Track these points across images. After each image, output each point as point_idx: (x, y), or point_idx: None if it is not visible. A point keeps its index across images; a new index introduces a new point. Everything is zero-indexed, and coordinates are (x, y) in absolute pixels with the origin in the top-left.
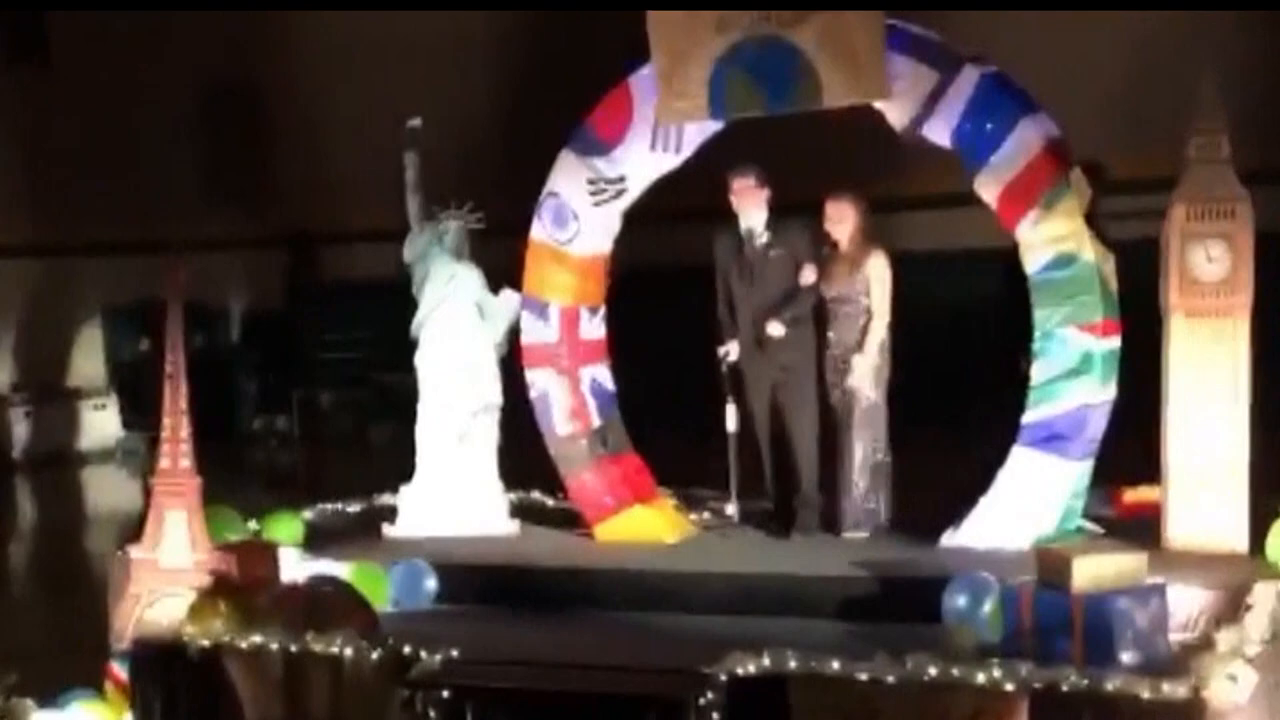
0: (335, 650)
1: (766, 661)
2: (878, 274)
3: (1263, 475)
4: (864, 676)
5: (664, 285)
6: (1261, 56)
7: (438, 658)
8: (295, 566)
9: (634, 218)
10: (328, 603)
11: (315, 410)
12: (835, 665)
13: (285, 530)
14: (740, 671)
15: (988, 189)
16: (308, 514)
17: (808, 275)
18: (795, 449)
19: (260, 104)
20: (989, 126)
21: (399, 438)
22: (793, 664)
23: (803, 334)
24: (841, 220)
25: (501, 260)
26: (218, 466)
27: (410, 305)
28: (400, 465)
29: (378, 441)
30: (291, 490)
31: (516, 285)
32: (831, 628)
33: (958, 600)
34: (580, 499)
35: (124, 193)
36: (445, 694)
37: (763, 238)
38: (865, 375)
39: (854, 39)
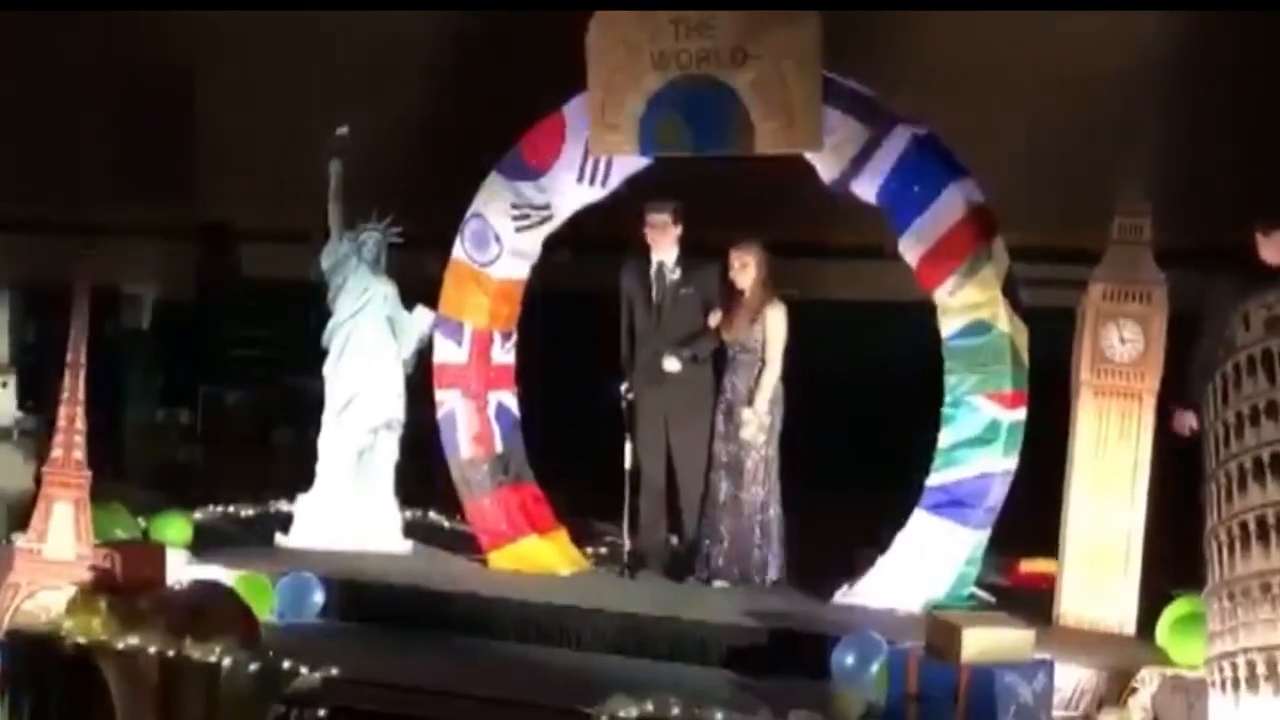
0: (213, 659)
1: (650, 706)
2: (774, 325)
3: (1157, 559)
4: None
5: (572, 313)
6: (1188, 136)
7: (317, 675)
8: (181, 569)
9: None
10: (210, 610)
11: (219, 407)
12: (718, 716)
13: (174, 531)
14: (622, 714)
15: (910, 250)
16: (198, 515)
17: (714, 318)
18: (680, 490)
19: (189, 94)
20: (916, 188)
21: (301, 443)
22: (676, 711)
23: (701, 375)
24: (744, 268)
25: (422, 275)
26: (114, 457)
27: (325, 311)
28: (299, 472)
29: (279, 445)
30: (186, 487)
31: (435, 301)
32: (718, 676)
33: (846, 659)
34: (477, 524)
35: (41, 172)
36: (322, 712)
37: (674, 274)
38: (754, 426)
39: (790, 88)
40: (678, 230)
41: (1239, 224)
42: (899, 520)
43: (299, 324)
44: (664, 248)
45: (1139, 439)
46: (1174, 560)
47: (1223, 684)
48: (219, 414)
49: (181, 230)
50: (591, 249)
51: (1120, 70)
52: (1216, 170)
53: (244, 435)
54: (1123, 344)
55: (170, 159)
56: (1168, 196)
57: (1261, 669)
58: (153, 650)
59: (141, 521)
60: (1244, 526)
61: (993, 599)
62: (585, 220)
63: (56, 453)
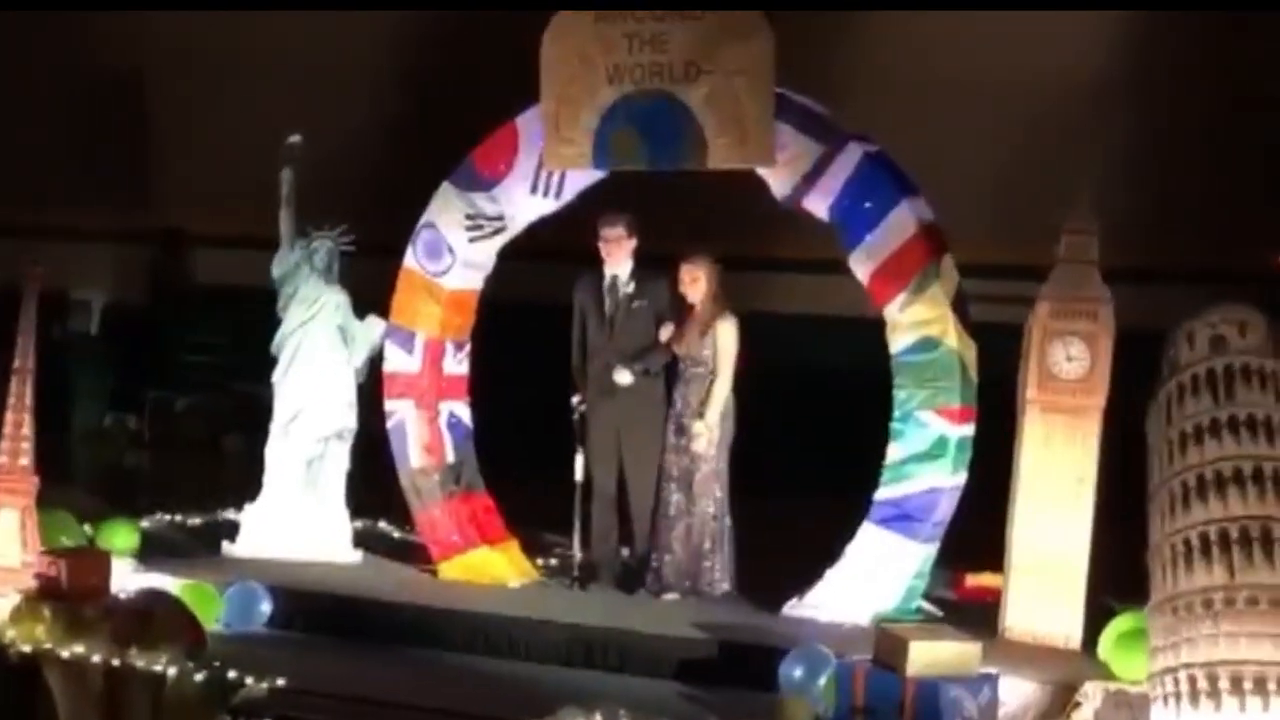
0: (159, 668)
1: (598, 718)
2: (725, 338)
3: (1101, 574)
4: None
5: (526, 324)
6: (1137, 155)
7: (264, 685)
8: (127, 577)
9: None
10: (156, 619)
11: (168, 413)
12: None
13: (121, 539)
14: None
15: (860, 266)
16: (146, 523)
17: (665, 331)
18: (631, 502)
19: (142, 99)
20: (867, 205)
21: (251, 451)
22: None
23: (652, 388)
24: (694, 282)
25: (374, 283)
26: (61, 463)
27: (276, 318)
28: (248, 480)
29: (229, 453)
30: (134, 494)
31: (387, 311)
32: (667, 688)
33: (794, 671)
34: (427, 534)
35: None
36: None
37: (627, 288)
38: (704, 439)
39: (743, 104)
40: (632, 243)
41: (1190, 243)
42: (848, 533)
43: (250, 331)
44: (617, 261)
45: (1084, 455)
46: (1118, 576)
47: (1165, 699)
48: (168, 421)
49: (133, 235)
50: (545, 260)
51: (1069, 90)
52: (1165, 189)
53: (193, 442)
54: (1069, 361)
55: (123, 164)
56: (1115, 215)
57: (1203, 684)
58: (98, 659)
59: (88, 529)
60: (1187, 543)
61: (940, 612)
62: (539, 231)
63: (3, 459)
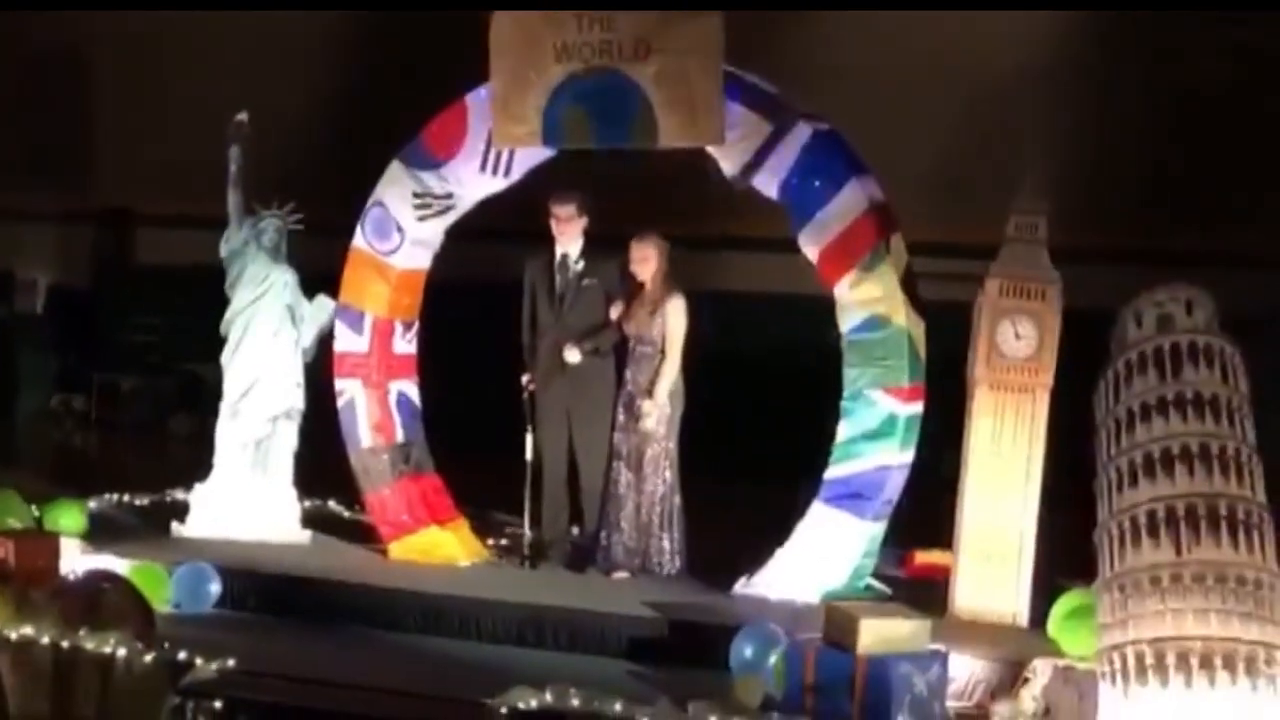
0: (108, 650)
1: (549, 697)
2: (674, 318)
3: (1049, 551)
4: None
5: (475, 303)
6: (1086, 135)
7: (213, 666)
8: (76, 559)
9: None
10: (105, 600)
11: (115, 394)
12: (617, 707)
13: (68, 520)
14: (522, 705)
15: (810, 245)
16: (93, 504)
17: (615, 310)
18: (581, 481)
19: (88, 78)
20: (816, 184)
21: (198, 432)
22: (575, 702)
23: (602, 367)
24: (644, 261)
25: (326, 261)
26: (7, 444)
27: (225, 298)
28: (197, 461)
29: (176, 433)
30: (81, 475)
31: (336, 290)
32: (618, 667)
33: (745, 650)
34: (377, 514)
35: None
36: (218, 704)
37: (577, 266)
38: (654, 417)
39: (693, 82)
40: (583, 222)
41: (1138, 223)
42: (798, 512)
43: (197, 311)
44: (569, 239)
45: (1033, 434)
46: (1066, 553)
47: (1112, 675)
48: (114, 401)
49: (78, 215)
50: (493, 239)
51: (1019, 68)
52: (1114, 169)
53: (140, 423)
54: (1018, 340)
55: (67, 144)
56: (1064, 194)
57: (1150, 660)
58: (46, 641)
59: (35, 510)
60: (1134, 520)
61: (889, 590)
62: (489, 209)
63: None
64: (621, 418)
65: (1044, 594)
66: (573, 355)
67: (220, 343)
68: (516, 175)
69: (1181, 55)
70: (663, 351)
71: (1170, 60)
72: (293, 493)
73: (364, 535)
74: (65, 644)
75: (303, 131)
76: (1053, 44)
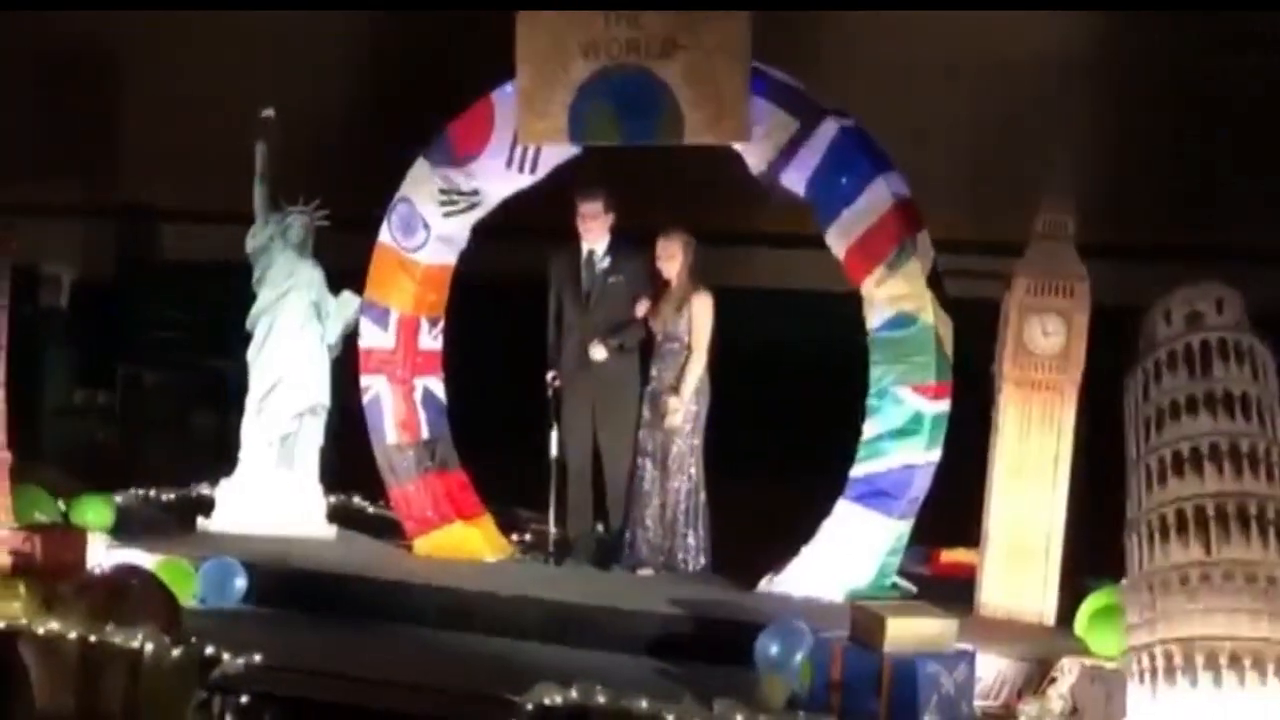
0: (134, 644)
1: (574, 694)
2: (700, 314)
3: (1077, 550)
4: (670, 718)
5: (501, 300)
6: (1115, 133)
7: (240, 661)
8: (102, 553)
9: (475, 230)
10: (131, 595)
11: (139, 389)
12: (643, 704)
13: (95, 514)
14: (547, 702)
15: (837, 242)
16: (119, 498)
17: (641, 307)
18: (607, 478)
19: (113, 73)
20: (843, 181)
21: (224, 427)
22: (601, 699)
23: (628, 364)
24: (670, 258)
25: (352, 257)
26: (33, 438)
27: (249, 293)
28: (222, 456)
29: (201, 428)
30: (107, 470)
31: (362, 286)
32: (643, 664)
33: (770, 648)
34: (402, 510)
35: None
36: (244, 699)
37: (603, 263)
38: (679, 414)
39: (719, 79)
40: (609, 219)
41: (1167, 220)
42: (824, 509)
43: (220, 306)
44: (595, 236)
45: (1060, 431)
46: (1093, 552)
47: (1140, 675)
48: (139, 396)
49: (103, 210)
50: (520, 235)
51: (1048, 65)
52: (1142, 167)
53: (164, 418)
54: (1045, 338)
55: (92, 138)
56: (1093, 192)
57: (1179, 660)
58: (73, 635)
59: (61, 504)
60: (1163, 519)
61: (914, 589)
62: (516, 205)
63: None
64: (647, 414)
65: (1071, 593)
66: (598, 352)
67: (246, 338)
68: (542, 172)
69: (1210, 47)
70: (689, 348)
71: (1197, 55)
72: (318, 488)
73: (389, 531)
74: (91, 639)
75: (329, 127)
76: (1078, 41)
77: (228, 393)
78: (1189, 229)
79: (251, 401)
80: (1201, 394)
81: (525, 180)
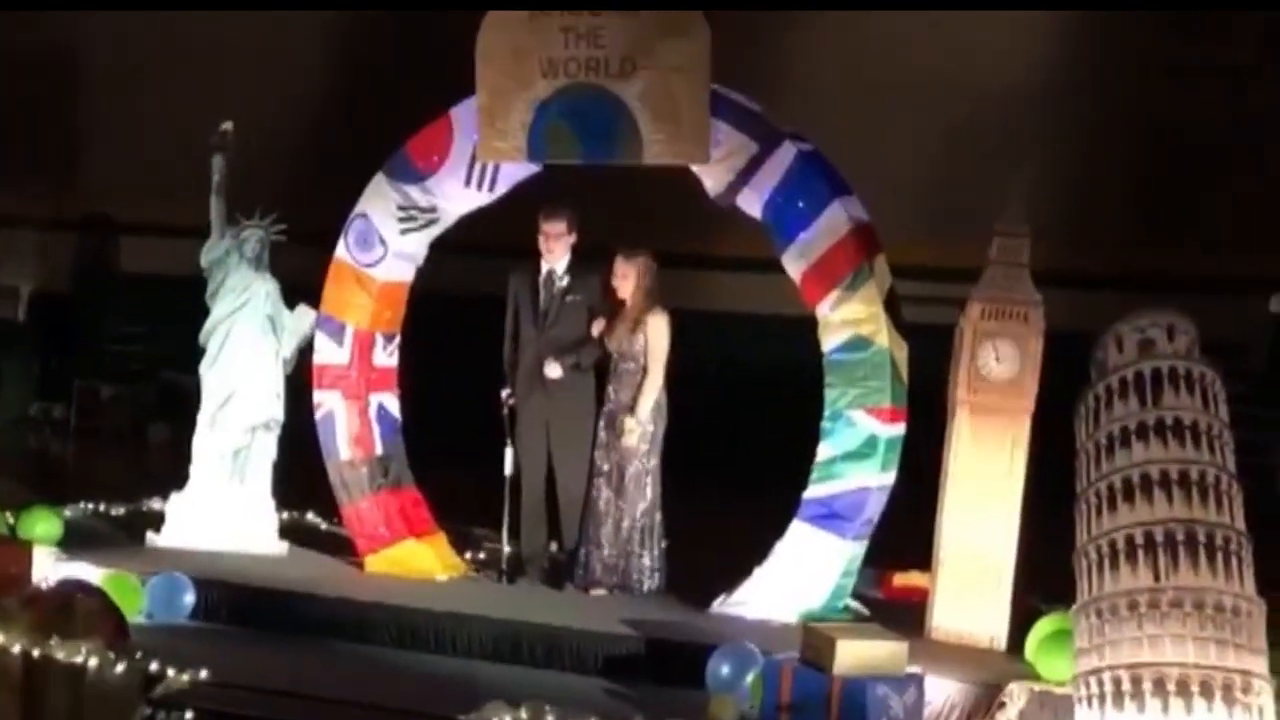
0: (80, 659)
1: (524, 714)
2: (655, 335)
3: (1028, 576)
4: None
5: (457, 317)
6: (1071, 158)
7: (185, 677)
8: (49, 567)
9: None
10: (77, 609)
11: (95, 402)
12: None
13: (43, 527)
14: None
15: (793, 265)
16: (68, 512)
17: (596, 326)
18: (560, 497)
19: (70, 84)
20: (800, 204)
21: (177, 441)
22: (551, 718)
23: (584, 383)
24: (624, 277)
25: (308, 272)
26: None
27: (205, 307)
28: (174, 470)
29: (155, 442)
30: (58, 483)
31: (318, 301)
32: (594, 684)
33: (721, 668)
34: (354, 527)
35: None
36: (189, 716)
37: (562, 281)
38: (635, 435)
39: (679, 100)
40: (571, 238)
41: (1120, 248)
42: (777, 531)
43: (178, 319)
44: (556, 255)
45: (1013, 456)
46: (1045, 577)
47: (1089, 700)
48: (94, 409)
49: (61, 222)
50: (479, 252)
51: (1001, 95)
52: (1098, 193)
53: (119, 431)
54: (999, 363)
55: (49, 149)
56: (1048, 217)
57: (1127, 685)
58: (17, 649)
59: (9, 517)
60: (1113, 545)
61: (867, 611)
62: (473, 223)
63: None
64: (603, 434)
65: (1022, 618)
66: (553, 370)
67: (200, 352)
68: (501, 190)
69: (1166, 77)
70: (645, 368)
71: (1155, 79)
72: (270, 504)
73: (341, 547)
74: (36, 653)
75: (287, 141)
76: (1037, 67)
77: (183, 406)
78: (1145, 256)
79: (204, 415)
80: (1152, 421)
81: (483, 198)
